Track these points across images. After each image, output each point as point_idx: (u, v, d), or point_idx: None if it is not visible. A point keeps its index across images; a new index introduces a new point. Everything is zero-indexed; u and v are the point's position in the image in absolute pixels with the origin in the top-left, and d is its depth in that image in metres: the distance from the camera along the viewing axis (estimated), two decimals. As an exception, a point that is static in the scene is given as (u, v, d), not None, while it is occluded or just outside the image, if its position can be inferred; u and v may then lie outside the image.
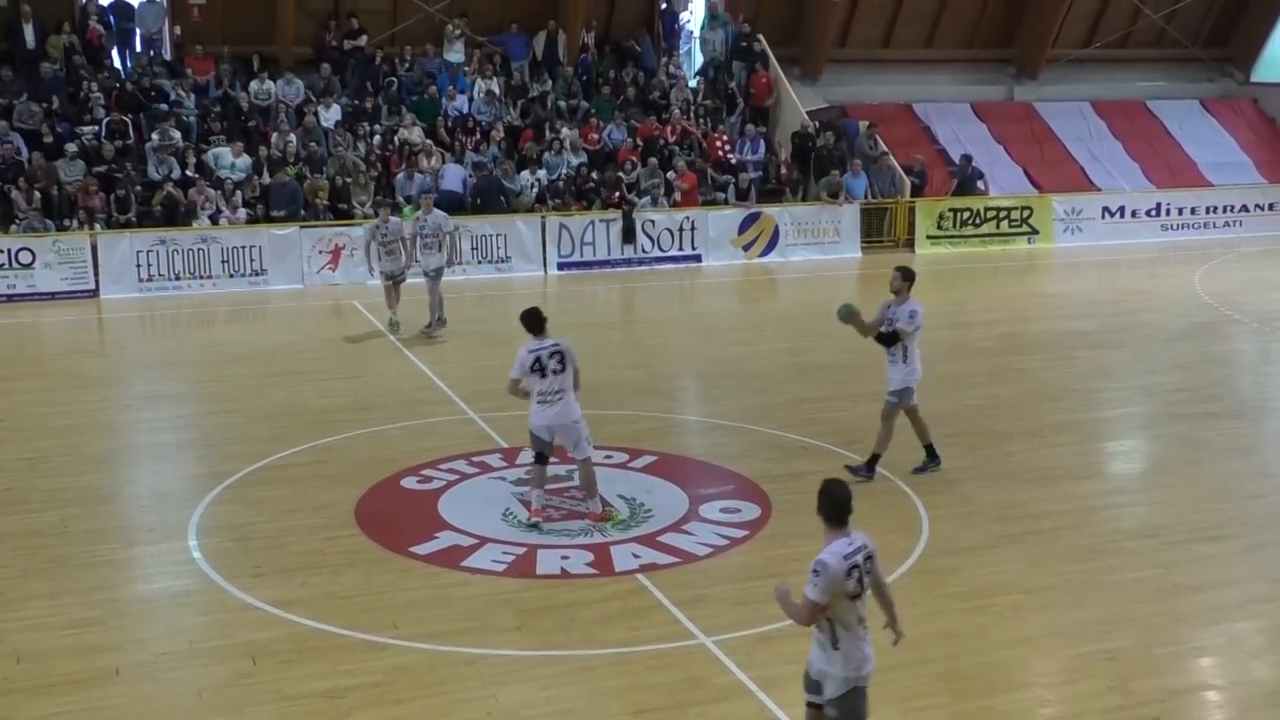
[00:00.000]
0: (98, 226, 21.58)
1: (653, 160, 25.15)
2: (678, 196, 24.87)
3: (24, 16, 23.89)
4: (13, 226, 21.26)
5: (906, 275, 11.30)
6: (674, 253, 24.54)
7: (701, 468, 12.05)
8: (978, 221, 26.77)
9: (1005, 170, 28.71)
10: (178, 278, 21.54)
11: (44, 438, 13.08)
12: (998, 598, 9.04)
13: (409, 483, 11.44)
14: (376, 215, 18.92)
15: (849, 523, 6.04)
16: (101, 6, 25.04)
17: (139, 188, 22.40)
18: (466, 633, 8.45)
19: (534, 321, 10.24)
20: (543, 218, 23.84)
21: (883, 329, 11.18)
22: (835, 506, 6.03)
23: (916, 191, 26.63)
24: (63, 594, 9.12)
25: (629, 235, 24.12)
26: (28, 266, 20.83)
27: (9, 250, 20.75)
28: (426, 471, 11.68)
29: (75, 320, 19.99)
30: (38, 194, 21.57)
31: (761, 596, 8.87)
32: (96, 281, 21.17)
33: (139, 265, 21.37)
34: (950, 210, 26.56)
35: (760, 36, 28.41)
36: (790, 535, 10.15)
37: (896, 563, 9.50)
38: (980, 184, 27.42)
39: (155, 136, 23.03)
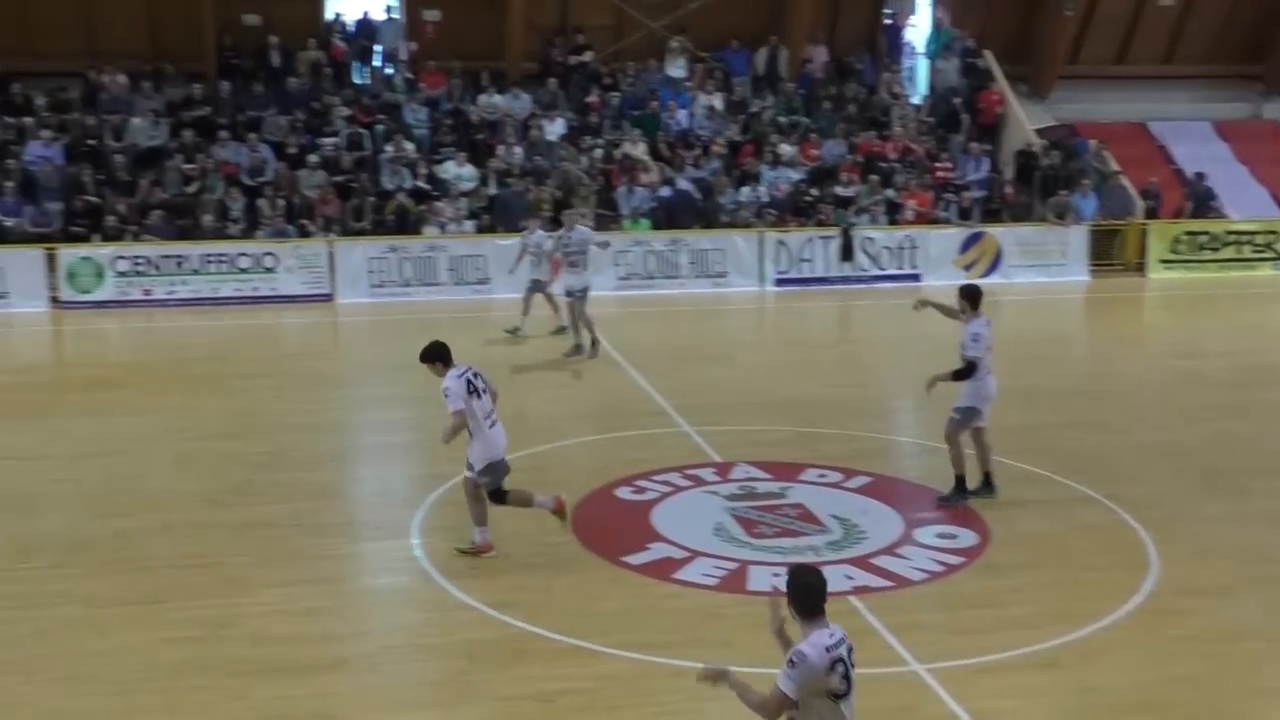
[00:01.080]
0: (334, 233, 22.61)
1: (873, 177, 24.85)
2: (910, 215, 24.53)
3: (272, 39, 25.24)
4: (258, 231, 22.47)
5: (963, 294, 11.09)
6: (893, 271, 24.17)
7: (917, 491, 11.78)
8: (1217, 246, 25.49)
9: (1249, 193, 27.23)
10: (407, 284, 22.36)
11: (281, 433, 13.70)
12: (1236, 644, 8.52)
13: (623, 493, 11.55)
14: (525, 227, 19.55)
15: (825, 613, 5.38)
16: (345, 24, 26.24)
17: (373, 197, 23.38)
18: (676, 645, 8.45)
19: (446, 353, 9.77)
20: (760, 233, 23.81)
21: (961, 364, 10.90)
22: (807, 595, 5.36)
23: (1151, 214, 25.55)
24: (296, 583, 9.53)
25: (847, 253, 23.87)
26: (271, 270, 21.97)
27: (255, 254, 21.93)
28: (641, 482, 11.75)
29: (312, 322, 20.94)
30: (281, 201, 22.76)
31: (979, 626, 8.66)
32: (332, 286, 22.15)
33: (371, 271, 22.28)
34: (1187, 234, 25.37)
35: (987, 53, 27.77)
36: (1010, 565, 9.85)
37: (1122, 600, 9.09)
38: (1214, 203, 26.09)
39: (389, 148, 23.99)
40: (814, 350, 19.28)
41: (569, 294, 17.43)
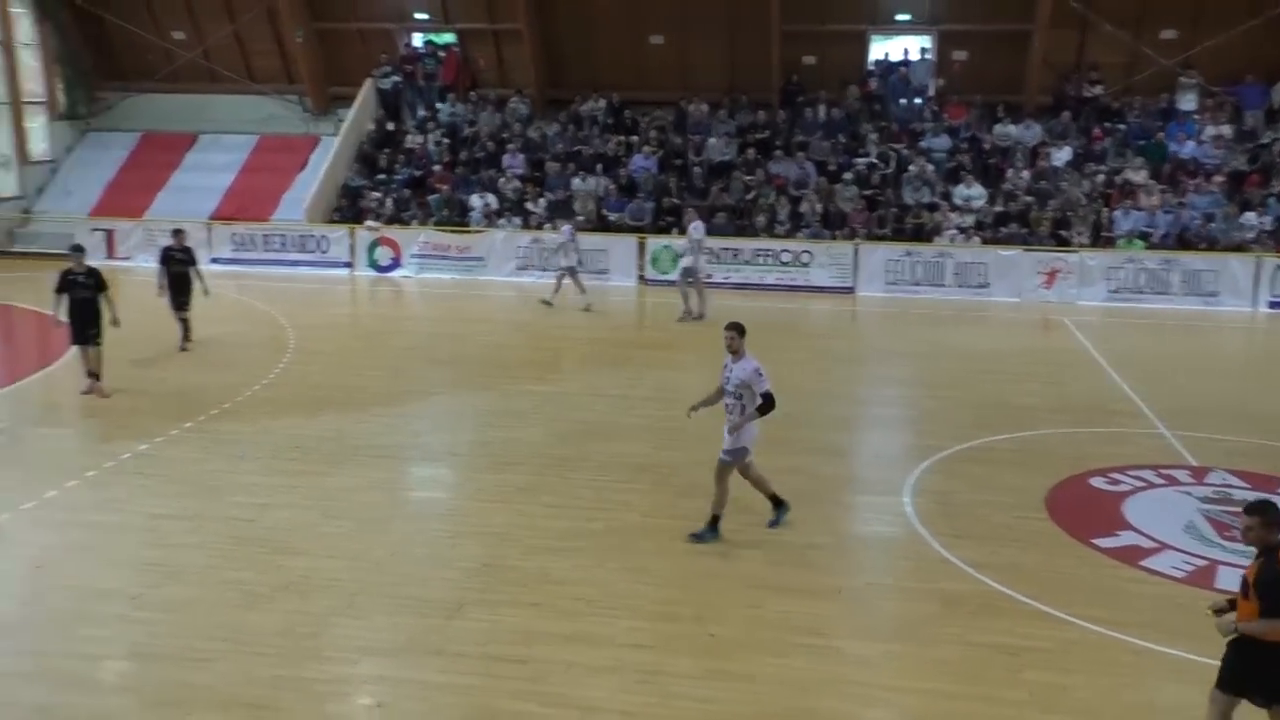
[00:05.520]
0: (860, 237, 22.59)
1: (1386, 209, 21.22)
2: None
3: (814, 85, 25.60)
4: (799, 233, 22.93)
5: (738, 330, 9.15)
6: (1397, 300, 20.57)
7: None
8: None
9: None
10: (917, 284, 21.93)
11: (803, 398, 13.83)
12: None
13: (1097, 482, 10.69)
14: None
15: None
16: (887, 63, 25.97)
17: (895, 209, 23.11)
18: (1138, 625, 7.72)
19: None
20: (1258, 258, 21.06)
21: (760, 395, 8.84)
22: None
23: None
24: (805, 521, 9.63)
25: (1350, 281, 20.58)
26: (806, 265, 22.35)
27: (794, 251, 22.41)
28: (1115, 475, 10.83)
29: (835, 310, 21.10)
30: (819, 208, 23.06)
31: None
32: (854, 280, 22.18)
33: (888, 270, 22.07)
34: None
35: None
36: None
37: None
38: None
39: (912, 168, 23.59)
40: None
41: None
